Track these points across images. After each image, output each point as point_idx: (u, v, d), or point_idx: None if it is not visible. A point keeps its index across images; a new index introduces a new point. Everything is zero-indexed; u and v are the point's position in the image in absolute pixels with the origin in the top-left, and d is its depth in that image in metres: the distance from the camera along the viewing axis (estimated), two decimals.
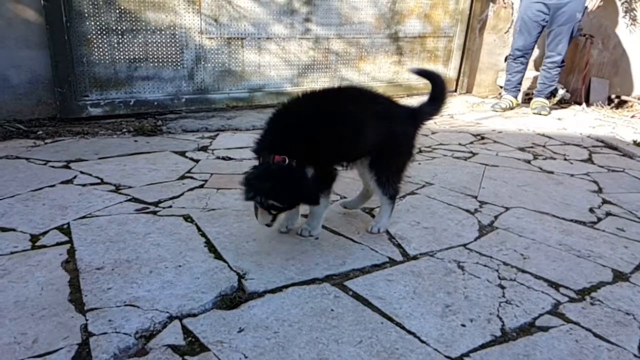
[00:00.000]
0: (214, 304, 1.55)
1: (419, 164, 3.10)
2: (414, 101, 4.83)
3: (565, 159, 3.43)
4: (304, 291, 1.63)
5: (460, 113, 4.70)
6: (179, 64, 3.93)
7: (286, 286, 1.66)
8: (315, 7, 4.32)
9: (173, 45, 3.86)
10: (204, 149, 3.18)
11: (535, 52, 5.17)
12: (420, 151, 3.35)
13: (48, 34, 3.37)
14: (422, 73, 2.24)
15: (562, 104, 5.33)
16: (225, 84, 4.18)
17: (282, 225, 2.02)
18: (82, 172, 2.60)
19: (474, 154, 3.39)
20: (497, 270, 1.86)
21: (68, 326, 1.38)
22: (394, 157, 1.97)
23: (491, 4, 5.19)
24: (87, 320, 1.42)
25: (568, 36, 4.52)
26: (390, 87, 5.01)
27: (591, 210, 2.53)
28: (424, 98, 2.11)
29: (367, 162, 1.94)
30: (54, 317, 1.43)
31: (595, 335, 1.52)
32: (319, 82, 4.62)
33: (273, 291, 1.62)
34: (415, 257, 1.92)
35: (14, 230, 1.94)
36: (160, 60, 3.85)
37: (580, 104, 5.26)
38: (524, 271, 1.87)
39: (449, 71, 5.34)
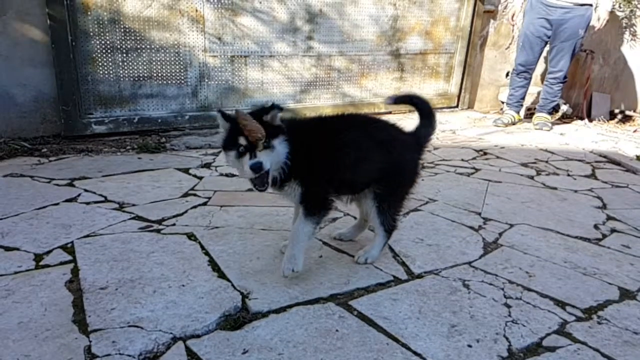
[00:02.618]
0: (218, 325, 1.53)
1: (422, 180, 3.10)
2: (415, 116, 4.89)
3: (568, 175, 3.43)
4: (309, 311, 1.62)
5: (462, 128, 4.71)
6: (182, 81, 3.97)
7: (290, 306, 1.64)
8: (318, 25, 4.37)
9: (177, 63, 3.90)
10: (207, 165, 3.19)
11: (541, 67, 5.21)
12: (423, 167, 3.35)
13: (54, 53, 3.41)
14: (398, 100, 2.13)
15: (564, 119, 5.35)
16: (228, 101, 4.22)
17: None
18: (86, 190, 2.61)
19: (477, 170, 3.39)
20: (502, 289, 1.84)
21: (71, 348, 1.37)
22: (397, 186, 1.91)
23: (492, 21, 5.25)
24: (90, 341, 1.42)
25: (570, 52, 4.56)
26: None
27: (596, 226, 2.52)
28: (416, 121, 2.04)
29: (370, 190, 1.88)
30: (58, 339, 1.42)
31: (603, 355, 1.50)
32: (321, 98, 4.65)
33: (277, 311, 1.61)
34: (420, 276, 1.91)
35: (18, 249, 1.94)
36: (164, 78, 3.89)
37: (582, 118, 5.28)
38: (529, 289, 1.85)
39: (450, 87, 5.38)
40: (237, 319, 1.56)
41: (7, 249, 1.95)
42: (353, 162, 1.79)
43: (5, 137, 3.40)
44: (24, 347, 1.38)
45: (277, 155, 1.64)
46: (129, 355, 1.37)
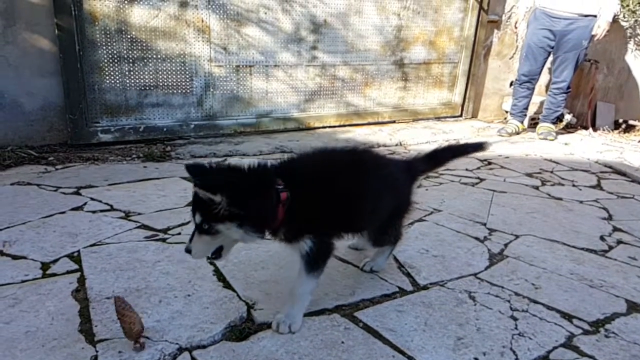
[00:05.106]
0: (223, 335, 1.53)
1: (426, 190, 3.11)
2: (419, 126, 4.91)
3: (573, 185, 3.42)
4: (314, 322, 1.62)
5: (466, 138, 4.72)
6: (188, 91, 4.00)
7: None
8: (322, 35, 4.41)
9: (183, 73, 3.93)
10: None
11: (545, 77, 5.23)
12: (427, 177, 3.35)
13: (61, 62, 3.45)
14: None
15: (569, 128, 5.35)
16: (233, 110, 4.24)
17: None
18: (92, 199, 2.62)
19: (482, 180, 3.39)
20: (508, 301, 1.83)
21: (78, 358, 1.38)
22: (394, 219, 1.81)
23: (496, 31, 5.27)
24: (97, 351, 1.42)
25: (574, 63, 4.57)
26: (396, 112, 5.06)
27: (602, 238, 2.50)
28: (424, 150, 1.97)
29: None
30: (65, 348, 1.42)
31: None
32: (325, 107, 4.67)
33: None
34: (425, 287, 1.90)
35: (25, 258, 1.95)
36: (170, 87, 3.92)
37: (586, 128, 5.27)
38: (536, 302, 1.84)
39: (454, 96, 5.39)
40: (242, 330, 1.56)
41: (15, 257, 1.96)
42: (372, 209, 1.61)
43: (12, 145, 3.42)
44: (31, 357, 1.39)
45: (230, 236, 1.37)
46: None
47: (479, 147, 2.05)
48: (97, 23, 3.51)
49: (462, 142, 1.96)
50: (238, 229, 1.34)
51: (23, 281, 1.78)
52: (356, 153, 1.73)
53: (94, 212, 2.45)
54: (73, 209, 2.47)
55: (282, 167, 1.50)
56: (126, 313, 1.37)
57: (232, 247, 1.50)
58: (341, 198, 1.49)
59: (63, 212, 2.42)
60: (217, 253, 1.46)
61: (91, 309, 1.62)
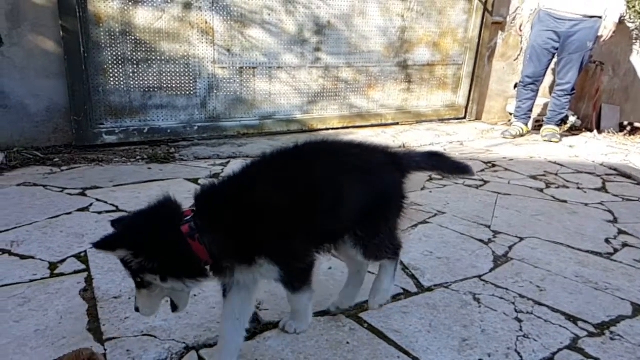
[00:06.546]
0: None
1: (430, 192, 3.11)
2: (423, 128, 4.91)
3: (578, 188, 3.41)
4: (319, 323, 1.62)
5: (469, 140, 4.72)
6: (192, 92, 4.01)
7: None
8: (326, 36, 4.42)
9: (187, 74, 3.95)
10: (216, 176, 3.21)
11: (549, 79, 5.22)
12: (431, 179, 3.36)
13: (66, 64, 3.46)
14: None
15: (573, 130, 5.33)
16: (236, 112, 4.25)
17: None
18: (97, 200, 2.64)
19: (486, 182, 3.39)
20: (513, 303, 1.83)
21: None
22: (382, 222, 1.48)
23: (500, 32, 5.27)
24: (105, 350, 1.44)
25: (578, 64, 4.55)
26: (400, 114, 5.06)
27: (607, 240, 2.50)
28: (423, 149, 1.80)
29: (350, 235, 1.43)
30: (74, 347, 1.43)
31: None
32: (328, 109, 4.68)
33: None
34: (429, 289, 1.90)
35: (33, 258, 1.97)
36: (174, 89, 3.93)
37: (591, 130, 5.26)
38: (540, 304, 1.84)
39: (458, 98, 5.39)
40: (248, 330, 1.56)
41: (23, 257, 1.98)
42: (331, 207, 1.34)
43: (18, 147, 3.44)
44: (41, 355, 1.41)
45: (163, 286, 1.22)
46: None
47: (465, 171, 1.69)
48: (101, 25, 3.53)
49: (455, 160, 1.69)
50: (163, 280, 1.21)
51: (31, 280, 1.81)
52: (302, 147, 1.42)
53: (99, 213, 2.46)
54: (79, 210, 2.49)
55: (203, 192, 1.32)
56: None
57: (185, 298, 1.32)
58: (272, 204, 1.26)
59: (69, 213, 2.44)
60: (173, 306, 1.32)
61: (99, 308, 1.64)
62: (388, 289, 1.61)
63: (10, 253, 2.01)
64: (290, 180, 1.31)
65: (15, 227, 2.24)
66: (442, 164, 1.67)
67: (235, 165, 3.48)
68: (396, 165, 1.52)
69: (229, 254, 1.24)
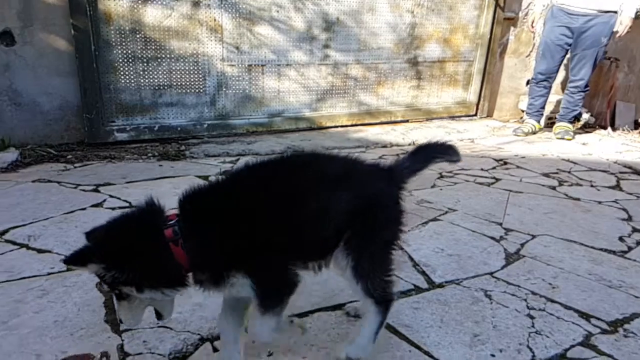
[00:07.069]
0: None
1: (441, 189, 3.09)
2: (433, 125, 4.88)
3: (591, 186, 3.37)
4: (330, 317, 1.63)
5: (481, 137, 4.68)
6: (201, 90, 4.03)
7: (312, 311, 1.66)
8: (335, 33, 4.41)
9: (196, 72, 3.97)
10: (225, 173, 3.23)
11: (562, 75, 5.15)
12: (442, 176, 3.34)
13: (77, 62, 3.50)
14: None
15: (587, 128, 5.27)
16: (245, 110, 4.27)
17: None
18: (111, 196, 2.67)
19: (497, 180, 3.36)
20: (525, 300, 1.82)
21: (105, 346, 1.45)
22: (374, 234, 1.32)
23: (512, 28, 5.22)
24: (123, 340, 1.48)
25: (592, 61, 4.49)
26: (409, 112, 5.04)
27: (621, 238, 2.46)
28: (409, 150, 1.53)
29: (340, 249, 1.31)
30: (92, 337, 1.48)
31: None
32: (337, 107, 4.68)
33: (300, 315, 1.62)
34: (441, 285, 1.90)
35: (49, 251, 2.01)
36: (184, 87, 3.96)
37: (605, 128, 5.19)
38: (553, 301, 1.83)
39: (469, 95, 5.35)
40: None
41: (40, 251, 2.02)
42: (306, 217, 1.25)
43: (32, 144, 3.49)
44: (61, 345, 1.45)
45: (142, 297, 1.18)
46: (160, 354, 1.42)
47: (450, 148, 1.53)
48: (111, 23, 3.56)
49: (440, 142, 1.54)
50: (139, 291, 1.16)
51: (49, 273, 1.85)
52: (288, 158, 1.37)
53: (113, 208, 2.49)
54: (93, 206, 2.53)
55: (186, 197, 1.24)
56: None
57: (168, 306, 1.28)
58: (247, 211, 1.19)
59: (84, 209, 2.48)
60: (157, 315, 1.29)
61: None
62: (365, 345, 1.38)
63: (27, 247, 2.05)
64: (269, 190, 1.24)
65: (32, 222, 2.28)
66: (429, 155, 1.50)
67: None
68: (391, 176, 1.40)
69: (205, 262, 1.18)
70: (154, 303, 1.24)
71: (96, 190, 2.76)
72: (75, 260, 1.13)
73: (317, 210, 1.25)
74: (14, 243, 2.08)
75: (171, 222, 1.18)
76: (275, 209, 1.21)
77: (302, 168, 1.33)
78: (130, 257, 1.13)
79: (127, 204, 2.56)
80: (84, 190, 2.75)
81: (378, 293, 1.33)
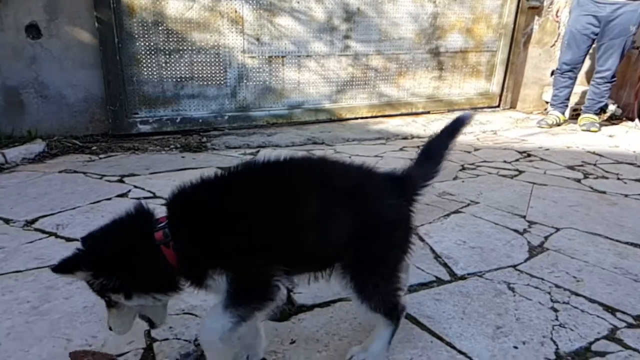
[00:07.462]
0: (265, 315, 1.57)
1: (463, 181, 3.06)
2: (455, 116, 4.81)
3: (618, 179, 3.29)
4: (351, 307, 1.63)
5: (503, 129, 4.61)
6: (222, 82, 4.06)
7: (334, 301, 1.66)
8: (355, 23, 4.38)
9: (217, 64, 4.00)
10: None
11: (588, 65, 5.02)
12: (464, 168, 3.30)
13: (101, 55, 3.57)
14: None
15: (613, 120, 5.13)
16: (265, 102, 4.29)
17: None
18: (135, 187, 2.73)
19: (520, 172, 3.31)
20: (549, 293, 1.79)
21: (133, 331, 1.45)
22: (381, 253, 1.24)
23: (537, 17, 5.10)
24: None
25: (620, 50, 4.36)
26: (430, 103, 4.99)
27: None
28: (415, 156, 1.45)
29: (342, 267, 1.23)
30: None
31: None
32: (357, 98, 4.66)
33: (321, 305, 1.64)
34: (463, 277, 1.89)
35: (77, 240, 2.04)
36: (205, 79, 3.99)
37: (632, 120, 5.04)
38: (577, 294, 1.80)
39: (492, 86, 5.26)
40: (282, 311, 1.60)
41: (68, 239, 2.08)
42: (301, 226, 1.18)
43: (58, 135, 3.59)
44: (90, 329, 1.50)
45: (131, 304, 1.17)
46: (186, 340, 1.45)
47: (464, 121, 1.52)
48: (134, 15, 3.61)
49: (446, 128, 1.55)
50: (127, 297, 1.15)
51: None
52: (286, 161, 1.25)
53: (137, 198, 2.55)
54: (118, 196, 2.58)
55: (174, 198, 1.21)
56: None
57: (160, 312, 1.28)
58: (233, 213, 1.15)
59: (109, 199, 2.54)
60: (149, 322, 1.29)
61: None
62: (378, 354, 1.33)
63: (56, 235, 2.11)
64: (259, 193, 1.18)
65: (60, 212, 2.35)
66: (440, 148, 1.43)
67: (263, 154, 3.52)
68: (401, 187, 1.30)
69: (189, 261, 1.15)
70: (145, 310, 1.24)
71: (121, 181, 2.83)
72: (62, 268, 1.12)
73: (310, 222, 1.17)
74: (43, 231, 2.14)
75: (161, 225, 1.15)
76: (260, 212, 1.15)
77: (298, 174, 1.25)
78: (119, 263, 1.13)
79: (151, 195, 2.62)
80: (109, 181, 2.82)
81: (385, 308, 1.27)
